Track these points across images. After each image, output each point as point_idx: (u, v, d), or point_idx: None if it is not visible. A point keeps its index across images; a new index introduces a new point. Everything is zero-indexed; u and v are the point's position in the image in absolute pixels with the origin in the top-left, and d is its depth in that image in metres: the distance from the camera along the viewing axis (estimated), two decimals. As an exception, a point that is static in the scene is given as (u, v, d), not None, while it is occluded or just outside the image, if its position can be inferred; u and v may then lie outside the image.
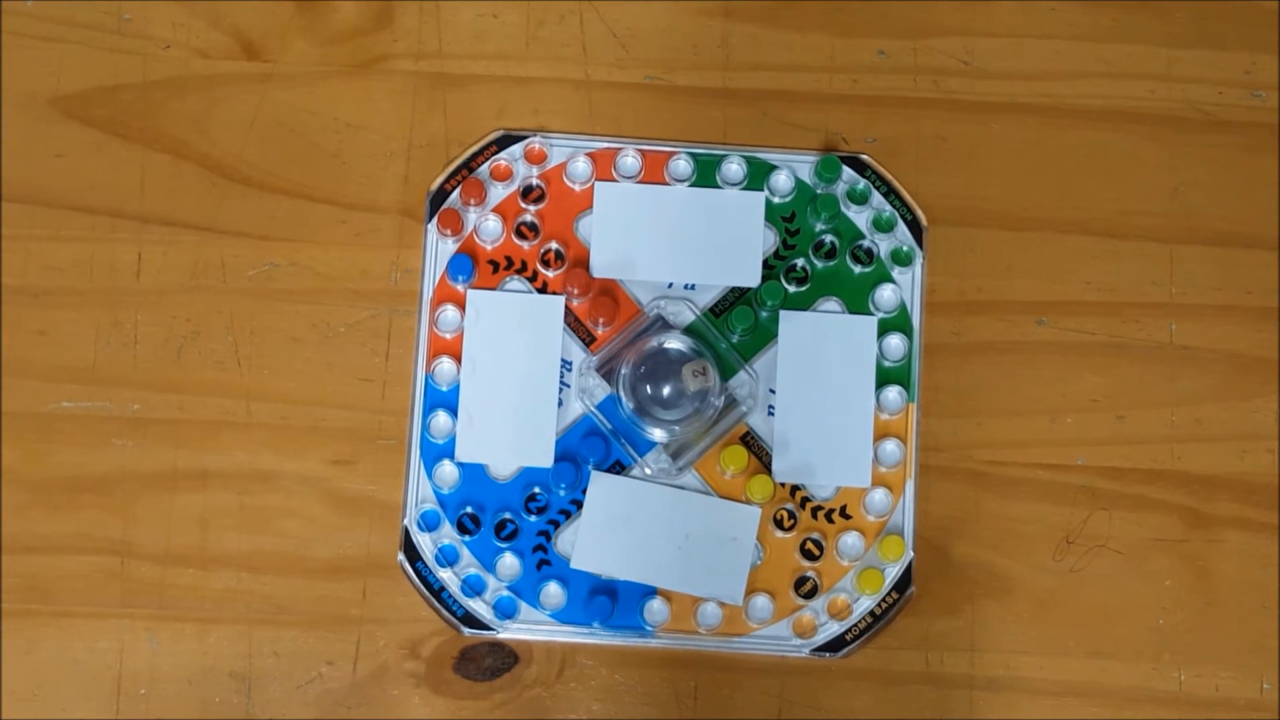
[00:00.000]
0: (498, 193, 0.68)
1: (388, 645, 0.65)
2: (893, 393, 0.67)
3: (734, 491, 0.66)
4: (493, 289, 0.67)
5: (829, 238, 0.68)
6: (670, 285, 0.67)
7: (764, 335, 0.67)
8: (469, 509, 0.65)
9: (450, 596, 0.65)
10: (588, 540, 0.65)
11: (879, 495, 0.66)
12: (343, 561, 0.65)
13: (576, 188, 0.68)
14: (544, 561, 0.65)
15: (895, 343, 0.67)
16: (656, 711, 0.65)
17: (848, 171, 0.68)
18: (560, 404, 0.66)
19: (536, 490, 0.66)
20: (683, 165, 0.68)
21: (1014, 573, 0.66)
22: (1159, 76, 0.70)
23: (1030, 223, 0.68)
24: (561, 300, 0.67)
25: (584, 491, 0.66)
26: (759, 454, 0.66)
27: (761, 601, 0.65)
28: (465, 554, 0.65)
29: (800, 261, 0.67)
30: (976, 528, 0.66)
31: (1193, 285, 0.68)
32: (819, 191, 0.68)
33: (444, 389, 0.66)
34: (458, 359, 0.66)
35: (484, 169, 0.68)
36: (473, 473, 0.66)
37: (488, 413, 0.66)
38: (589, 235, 0.68)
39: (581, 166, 0.68)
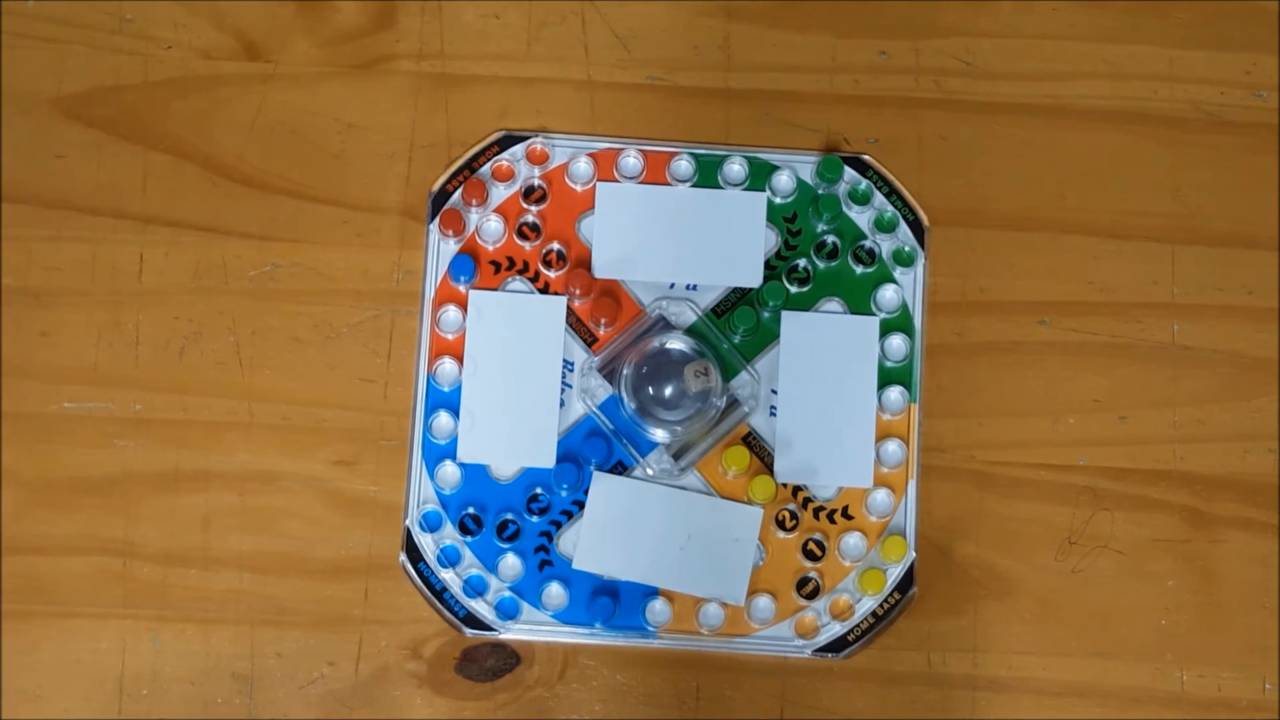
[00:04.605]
0: (499, 193, 0.68)
1: (390, 646, 0.65)
2: (895, 393, 0.67)
3: (736, 492, 0.66)
4: (494, 289, 0.67)
5: (831, 238, 0.68)
6: (672, 286, 0.67)
7: (766, 336, 0.67)
8: (471, 509, 0.65)
9: (452, 597, 0.65)
10: (589, 541, 0.65)
11: (881, 496, 0.66)
12: (345, 562, 0.65)
13: (578, 188, 0.68)
14: (546, 562, 0.65)
15: (897, 343, 0.67)
16: (658, 712, 0.65)
17: (849, 172, 0.68)
18: (562, 404, 0.66)
19: (538, 491, 0.66)
20: (684, 166, 0.68)
21: (1016, 573, 0.66)
22: (1160, 77, 0.70)
23: (1032, 223, 0.68)
24: (563, 301, 0.67)
25: (586, 492, 0.66)
26: (761, 454, 0.66)
27: (763, 602, 0.65)
28: (467, 554, 0.65)
29: (802, 262, 0.67)
30: (979, 528, 0.66)
31: (1195, 285, 0.68)
32: (821, 192, 0.68)
33: (446, 389, 0.66)
34: (460, 359, 0.66)
35: (486, 169, 0.68)
36: (474, 473, 0.66)
37: (489, 413, 0.66)
38: (591, 236, 0.68)
39: (583, 167, 0.68)
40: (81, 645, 0.65)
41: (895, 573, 0.65)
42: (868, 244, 0.68)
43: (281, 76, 0.69)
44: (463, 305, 0.67)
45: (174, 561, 0.65)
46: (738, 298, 0.67)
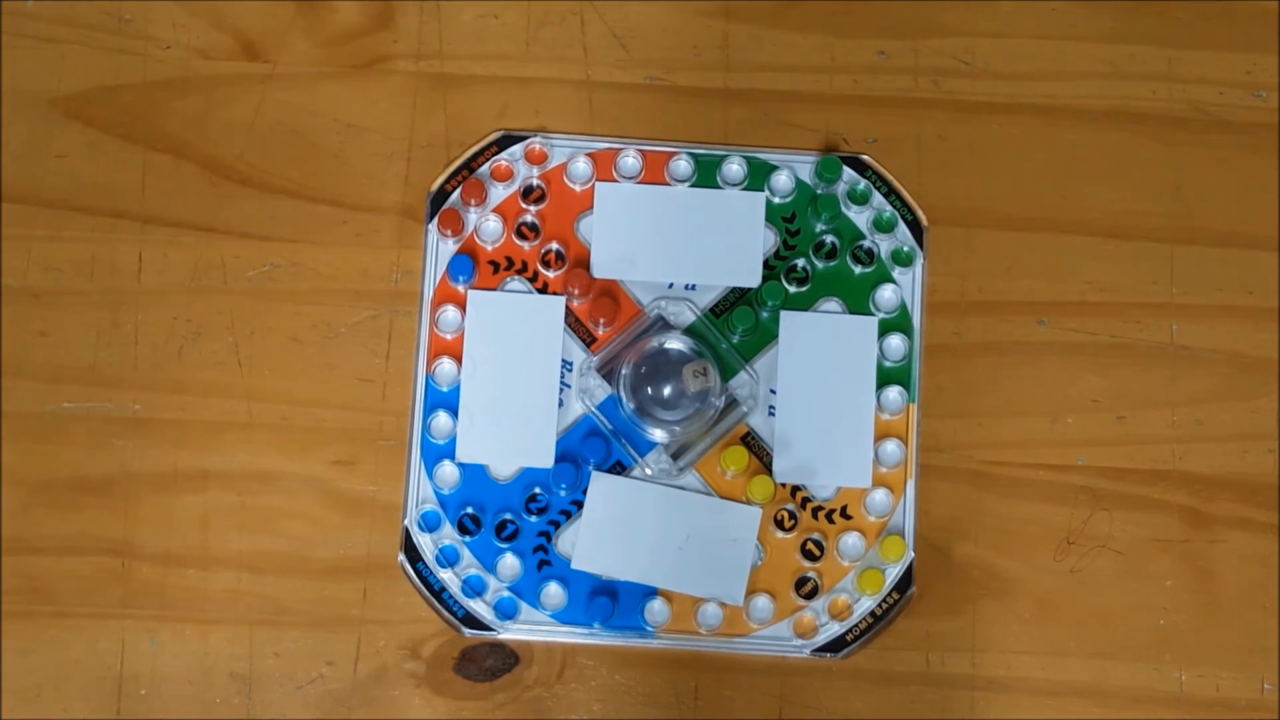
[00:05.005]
0: (498, 193, 0.68)
1: (388, 646, 0.65)
2: (893, 393, 0.67)
3: (735, 492, 0.66)
4: (493, 289, 0.67)
5: (829, 238, 0.68)
6: (671, 285, 0.67)
7: (765, 335, 0.67)
8: (469, 509, 0.65)
9: (451, 597, 0.65)
10: (588, 541, 0.65)
11: (880, 495, 0.66)
12: (343, 562, 0.65)
13: (577, 188, 0.68)
14: (544, 562, 0.65)
15: (896, 343, 0.67)
16: (657, 712, 0.65)
17: (848, 172, 0.68)
18: (561, 404, 0.66)
19: (537, 491, 0.66)
20: (683, 165, 0.68)
21: (1015, 573, 0.66)
22: (1160, 77, 0.70)
23: (1031, 223, 0.68)
24: (562, 301, 0.67)
25: (585, 492, 0.66)
26: (759, 454, 0.66)
27: (762, 602, 0.65)
28: (466, 554, 0.65)
29: (801, 262, 0.67)
30: (977, 528, 0.66)
31: (1194, 285, 0.68)
32: (819, 192, 0.68)
33: (444, 389, 0.66)
34: (458, 359, 0.66)
35: (484, 169, 0.68)
36: (473, 473, 0.66)
37: (488, 413, 0.66)
38: (589, 235, 0.68)
39: (582, 167, 0.68)
40: (80, 645, 0.65)
41: (894, 573, 0.65)
42: (866, 244, 0.68)
43: (280, 76, 0.69)
44: (461, 305, 0.67)
45: (173, 561, 0.65)
46: (736, 297, 0.67)
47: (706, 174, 0.68)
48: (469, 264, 0.67)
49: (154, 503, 0.66)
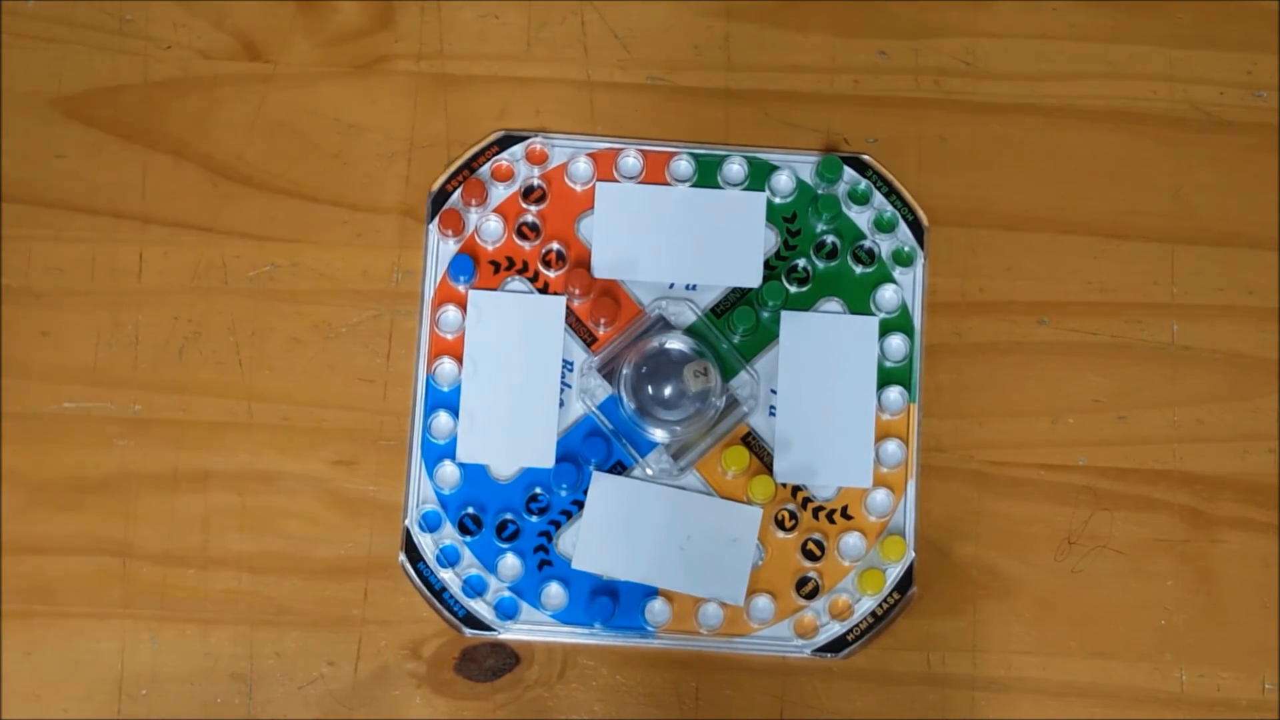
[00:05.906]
0: (499, 193, 0.68)
1: (389, 646, 0.65)
2: (894, 393, 0.67)
3: (735, 492, 0.66)
4: (494, 289, 0.67)
5: (830, 238, 0.68)
6: (671, 286, 0.67)
7: (765, 335, 0.67)
8: (470, 509, 0.65)
9: (451, 597, 0.65)
10: (589, 541, 0.65)
11: (880, 496, 0.66)
12: (344, 562, 0.65)
13: (578, 188, 0.68)
14: (545, 562, 0.65)
15: (896, 343, 0.67)
16: (658, 712, 0.65)
17: (849, 172, 0.68)
18: (561, 404, 0.66)
19: (538, 491, 0.66)
20: (684, 165, 0.68)
21: (1016, 573, 0.66)
22: (1161, 77, 0.70)
23: (1032, 223, 0.68)
24: (563, 301, 0.67)
25: (585, 492, 0.66)
26: (760, 454, 0.66)
27: (763, 602, 0.65)
28: (466, 554, 0.65)
29: (801, 262, 0.67)
30: (978, 528, 0.66)
31: (1194, 285, 0.68)
32: (820, 192, 0.68)
33: (445, 389, 0.66)
34: (459, 359, 0.66)
35: (485, 169, 0.68)
36: (474, 473, 0.66)
37: (489, 413, 0.66)
38: (590, 236, 0.68)
39: (583, 167, 0.68)
40: (81, 645, 0.65)
41: (894, 573, 0.65)
42: (867, 244, 0.68)
43: (281, 76, 0.69)
44: (462, 305, 0.67)
45: (173, 562, 0.65)
46: (737, 298, 0.67)
47: (707, 174, 0.68)
48: (470, 264, 0.67)
49: (154, 503, 0.66)
